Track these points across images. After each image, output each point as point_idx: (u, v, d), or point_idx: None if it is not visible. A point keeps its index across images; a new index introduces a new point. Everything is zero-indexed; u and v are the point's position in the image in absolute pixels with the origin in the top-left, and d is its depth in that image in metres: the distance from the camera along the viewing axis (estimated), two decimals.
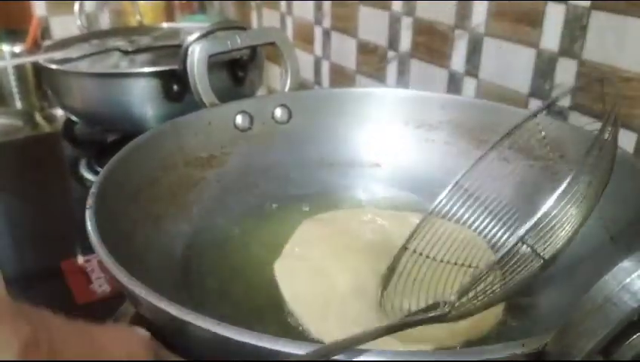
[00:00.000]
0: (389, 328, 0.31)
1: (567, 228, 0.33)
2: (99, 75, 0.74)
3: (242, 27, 0.65)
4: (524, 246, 0.32)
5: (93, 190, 0.42)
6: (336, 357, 0.27)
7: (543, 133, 0.44)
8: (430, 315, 0.32)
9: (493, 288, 0.33)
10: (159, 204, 0.49)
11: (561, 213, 0.31)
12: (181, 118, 0.55)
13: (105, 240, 0.37)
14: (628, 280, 0.22)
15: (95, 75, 0.74)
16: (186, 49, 0.60)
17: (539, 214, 0.31)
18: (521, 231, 0.31)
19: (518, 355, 0.27)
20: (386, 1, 0.83)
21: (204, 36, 0.62)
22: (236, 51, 0.67)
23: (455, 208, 0.49)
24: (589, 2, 0.58)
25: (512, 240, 0.31)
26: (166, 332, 0.35)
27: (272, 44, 0.63)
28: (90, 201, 0.41)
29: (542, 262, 0.34)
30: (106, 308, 0.46)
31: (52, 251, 0.63)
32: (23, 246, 0.66)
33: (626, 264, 0.23)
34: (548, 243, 0.33)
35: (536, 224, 0.31)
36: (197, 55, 0.57)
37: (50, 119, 1.11)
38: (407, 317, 0.34)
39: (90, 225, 0.38)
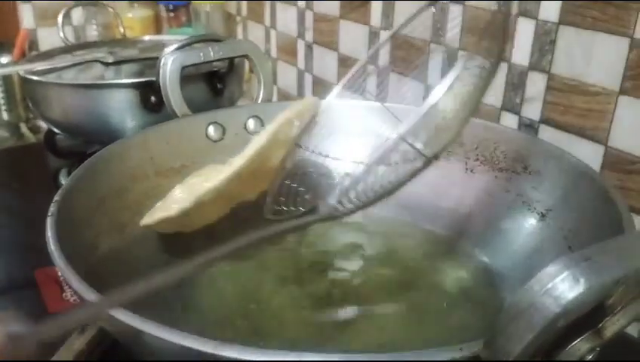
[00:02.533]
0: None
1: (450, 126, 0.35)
2: (76, 86, 0.74)
3: (218, 39, 0.66)
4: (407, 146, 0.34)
5: (56, 198, 0.42)
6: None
7: (500, 146, 0.46)
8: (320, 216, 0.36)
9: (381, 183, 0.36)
10: (126, 213, 0.49)
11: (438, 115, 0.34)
12: (151, 127, 0.55)
13: (66, 249, 0.37)
14: (550, 285, 0.23)
15: (73, 85, 0.75)
16: (161, 60, 0.60)
17: (419, 115, 0.34)
18: (402, 130, 0.34)
19: (456, 359, 0.27)
20: (365, 11, 0.84)
21: (179, 48, 0.62)
22: (213, 63, 0.68)
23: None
24: (557, 18, 0.59)
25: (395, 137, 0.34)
26: (129, 344, 0.35)
27: (246, 56, 0.63)
28: (52, 209, 0.40)
29: (424, 159, 0.36)
30: None
31: (30, 260, 0.63)
32: (2, 254, 0.66)
33: (549, 269, 0.23)
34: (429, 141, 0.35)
35: (415, 126, 0.33)
36: (169, 66, 0.58)
37: (35, 130, 1.11)
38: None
39: (50, 234, 0.38)
